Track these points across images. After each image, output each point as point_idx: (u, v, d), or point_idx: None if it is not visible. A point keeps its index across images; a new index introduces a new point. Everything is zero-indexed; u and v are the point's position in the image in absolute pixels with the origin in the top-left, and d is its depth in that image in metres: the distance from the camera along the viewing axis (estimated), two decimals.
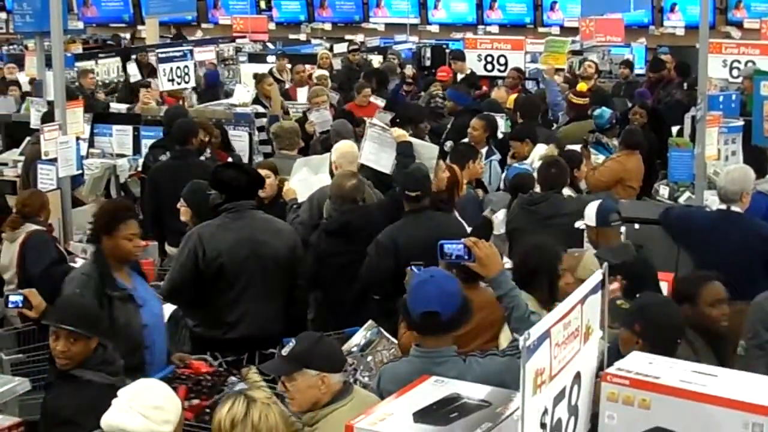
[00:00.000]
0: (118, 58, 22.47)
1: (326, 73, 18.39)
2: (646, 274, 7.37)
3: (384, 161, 9.57)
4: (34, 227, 9.06)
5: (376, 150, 9.61)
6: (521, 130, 11.69)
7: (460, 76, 17.61)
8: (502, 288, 5.43)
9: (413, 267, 6.89)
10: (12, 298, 7.05)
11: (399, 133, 9.63)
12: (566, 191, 9.69)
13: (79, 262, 9.18)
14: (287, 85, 18.14)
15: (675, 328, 5.87)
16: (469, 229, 8.35)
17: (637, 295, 6.29)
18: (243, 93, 15.73)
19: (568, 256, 7.01)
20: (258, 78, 15.94)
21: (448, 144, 11.74)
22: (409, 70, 19.04)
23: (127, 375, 6.40)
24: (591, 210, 8.13)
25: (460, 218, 9.05)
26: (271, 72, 17.93)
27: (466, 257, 5.36)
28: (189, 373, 6.70)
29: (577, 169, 10.39)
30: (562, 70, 18.46)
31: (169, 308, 7.91)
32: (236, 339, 7.64)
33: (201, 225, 7.84)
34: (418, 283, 5.26)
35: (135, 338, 6.84)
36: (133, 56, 22.25)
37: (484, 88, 17.34)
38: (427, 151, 9.48)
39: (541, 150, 10.88)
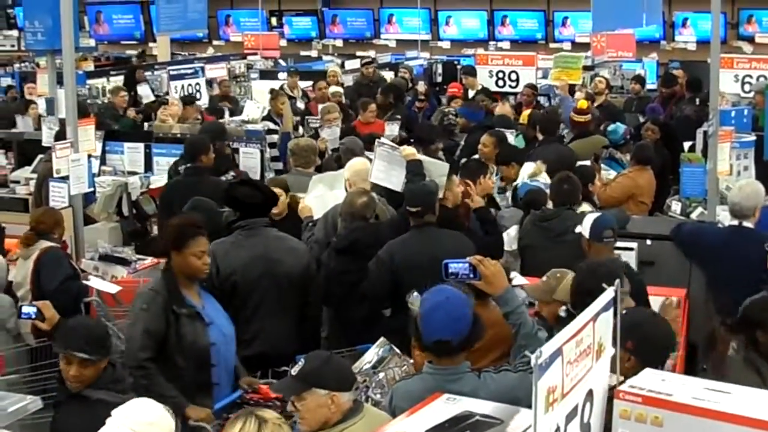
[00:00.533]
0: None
1: (341, 89, 18.43)
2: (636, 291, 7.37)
3: (394, 179, 9.55)
4: (48, 244, 9.07)
5: (386, 168, 9.59)
6: (507, 154, 11.63)
7: (471, 92, 17.60)
8: (510, 305, 5.44)
9: (415, 292, 6.85)
10: (25, 309, 7.07)
11: (409, 151, 9.61)
12: (584, 206, 9.67)
13: (92, 280, 9.19)
14: (298, 102, 18.17)
15: (667, 343, 5.80)
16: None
17: (623, 312, 6.17)
18: (253, 109, 15.75)
19: (549, 276, 6.93)
20: (273, 94, 15.94)
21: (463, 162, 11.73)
22: (421, 86, 19.07)
23: (194, 394, 6.48)
24: (587, 222, 8.12)
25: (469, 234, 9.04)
26: (282, 88, 17.94)
27: (472, 276, 5.39)
28: (257, 398, 6.65)
29: (591, 183, 10.36)
30: (583, 86, 18.45)
31: None
32: (250, 357, 7.60)
33: (215, 242, 7.81)
34: (428, 311, 5.19)
35: (202, 357, 6.83)
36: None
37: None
38: (437, 168, 9.45)
39: (528, 168, 10.85)
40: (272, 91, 16.60)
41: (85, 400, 5.82)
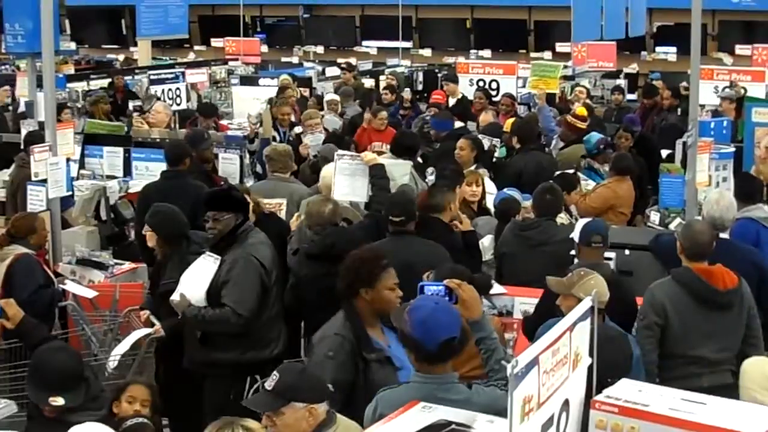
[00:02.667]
0: (109, 80, 22.49)
1: (337, 97, 18.40)
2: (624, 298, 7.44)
3: (358, 191, 9.61)
4: (23, 250, 8.99)
5: (349, 182, 9.64)
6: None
7: (452, 100, 17.61)
8: (485, 330, 5.47)
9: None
10: None
11: (369, 157, 9.75)
12: (561, 217, 9.69)
13: (68, 284, 9.15)
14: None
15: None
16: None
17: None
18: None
19: (574, 273, 6.96)
20: (274, 103, 15.77)
21: (430, 170, 11.72)
22: (407, 93, 19.07)
23: None
24: (578, 226, 8.31)
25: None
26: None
27: (448, 299, 5.40)
28: None
29: (567, 193, 10.38)
30: (563, 96, 18.50)
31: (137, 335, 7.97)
32: (280, 355, 7.80)
33: (247, 245, 7.90)
34: (430, 314, 5.15)
35: None
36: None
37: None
38: (398, 169, 9.55)
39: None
40: (271, 99, 16.43)
41: (62, 424, 5.74)
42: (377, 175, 9.48)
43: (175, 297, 7.73)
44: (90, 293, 8.99)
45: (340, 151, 10.37)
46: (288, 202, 10.49)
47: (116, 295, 9.17)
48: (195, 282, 7.76)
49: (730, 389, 6.10)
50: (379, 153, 11.33)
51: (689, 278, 7.45)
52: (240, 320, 7.72)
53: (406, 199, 8.61)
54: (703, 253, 7.58)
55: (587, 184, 11.89)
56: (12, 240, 9.08)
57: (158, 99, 17.65)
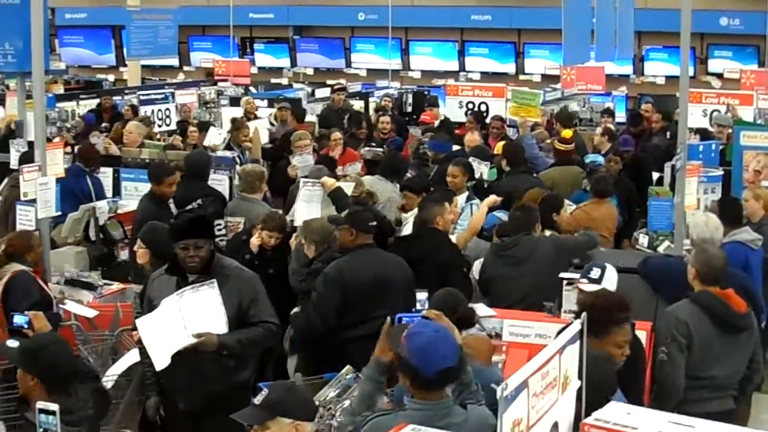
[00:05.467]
0: (98, 100, 22.46)
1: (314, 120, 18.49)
2: None
3: (313, 215, 9.81)
4: (20, 268, 8.94)
5: (306, 208, 9.79)
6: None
7: (436, 122, 17.76)
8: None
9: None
10: (17, 319, 6.98)
11: (330, 182, 10.07)
12: (547, 233, 9.75)
13: (68, 304, 9.12)
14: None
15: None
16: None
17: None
18: (215, 135, 15.70)
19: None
20: (236, 125, 15.88)
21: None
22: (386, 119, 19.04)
23: None
24: None
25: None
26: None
27: None
28: None
29: (557, 213, 10.37)
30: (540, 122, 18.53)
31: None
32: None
33: (225, 266, 7.61)
34: (430, 342, 5.14)
35: None
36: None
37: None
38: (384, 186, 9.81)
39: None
40: (234, 120, 16.57)
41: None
42: (337, 197, 9.85)
43: (191, 340, 7.18)
44: (91, 313, 8.95)
45: (304, 179, 10.51)
46: (245, 220, 10.76)
47: (119, 315, 9.11)
48: (207, 315, 7.32)
49: (732, 415, 6.13)
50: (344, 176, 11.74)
51: (711, 301, 7.51)
52: (279, 331, 7.75)
53: (371, 213, 9.01)
54: (718, 278, 7.64)
55: (569, 205, 11.89)
56: (9, 258, 9.06)
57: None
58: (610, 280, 7.92)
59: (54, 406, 5.26)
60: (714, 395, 7.44)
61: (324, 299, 8.30)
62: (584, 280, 7.81)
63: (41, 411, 5.26)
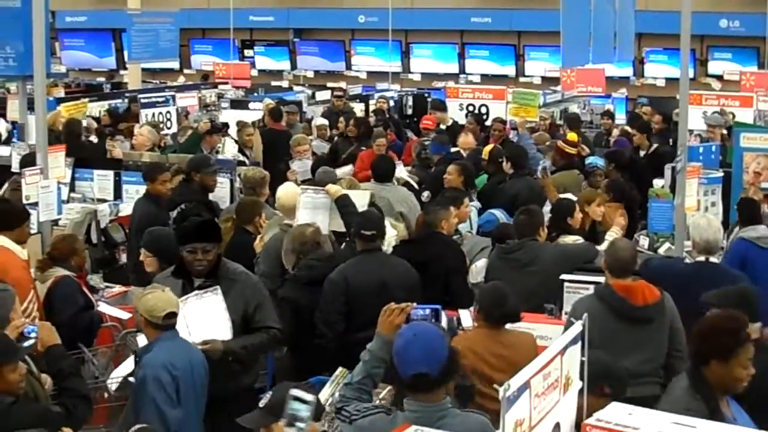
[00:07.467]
0: (100, 103, 22.43)
1: (326, 122, 18.41)
2: None
3: (320, 224, 9.63)
4: (63, 272, 8.85)
5: (310, 215, 9.62)
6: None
7: (442, 127, 17.65)
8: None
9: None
10: (28, 328, 6.99)
11: (333, 189, 9.75)
12: (568, 238, 9.71)
13: (102, 306, 9.12)
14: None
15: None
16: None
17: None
18: (231, 146, 15.65)
19: None
20: (239, 126, 15.91)
21: (425, 194, 11.77)
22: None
23: None
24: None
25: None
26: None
27: (434, 321, 5.71)
28: None
29: (570, 217, 10.29)
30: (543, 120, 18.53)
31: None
32: None
33: (231, 270, 7.61)
34: (404, 345, 5.15)
35: None
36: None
37: None
38: (359, 198, 9.78)
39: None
40: (239, 123, 16.57)
41: None
42: (343, 204, 9.55)
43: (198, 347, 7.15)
44: (124, 314, 8.96)
45: (303, 186, 10.40)
46: None
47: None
48: (211, 322, 7.35)
49: (657, 400, 6.09)
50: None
51: (608, 295, 7.75)
52: (282, 336, 7.74)
53: (376, 216, 8.85)
54: (625, 269, 7.88)
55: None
56: (53, 262, 9.02)
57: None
58: None
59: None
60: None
61: (329, 305, 8.24)
62: None
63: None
